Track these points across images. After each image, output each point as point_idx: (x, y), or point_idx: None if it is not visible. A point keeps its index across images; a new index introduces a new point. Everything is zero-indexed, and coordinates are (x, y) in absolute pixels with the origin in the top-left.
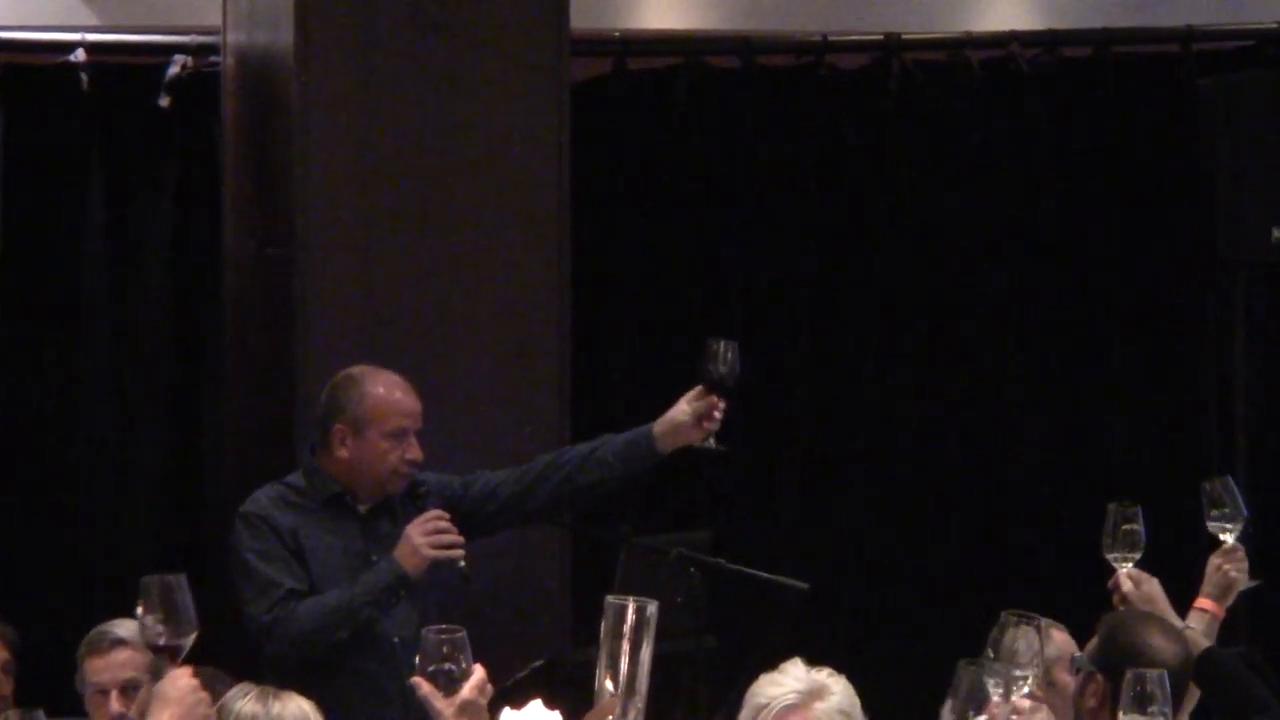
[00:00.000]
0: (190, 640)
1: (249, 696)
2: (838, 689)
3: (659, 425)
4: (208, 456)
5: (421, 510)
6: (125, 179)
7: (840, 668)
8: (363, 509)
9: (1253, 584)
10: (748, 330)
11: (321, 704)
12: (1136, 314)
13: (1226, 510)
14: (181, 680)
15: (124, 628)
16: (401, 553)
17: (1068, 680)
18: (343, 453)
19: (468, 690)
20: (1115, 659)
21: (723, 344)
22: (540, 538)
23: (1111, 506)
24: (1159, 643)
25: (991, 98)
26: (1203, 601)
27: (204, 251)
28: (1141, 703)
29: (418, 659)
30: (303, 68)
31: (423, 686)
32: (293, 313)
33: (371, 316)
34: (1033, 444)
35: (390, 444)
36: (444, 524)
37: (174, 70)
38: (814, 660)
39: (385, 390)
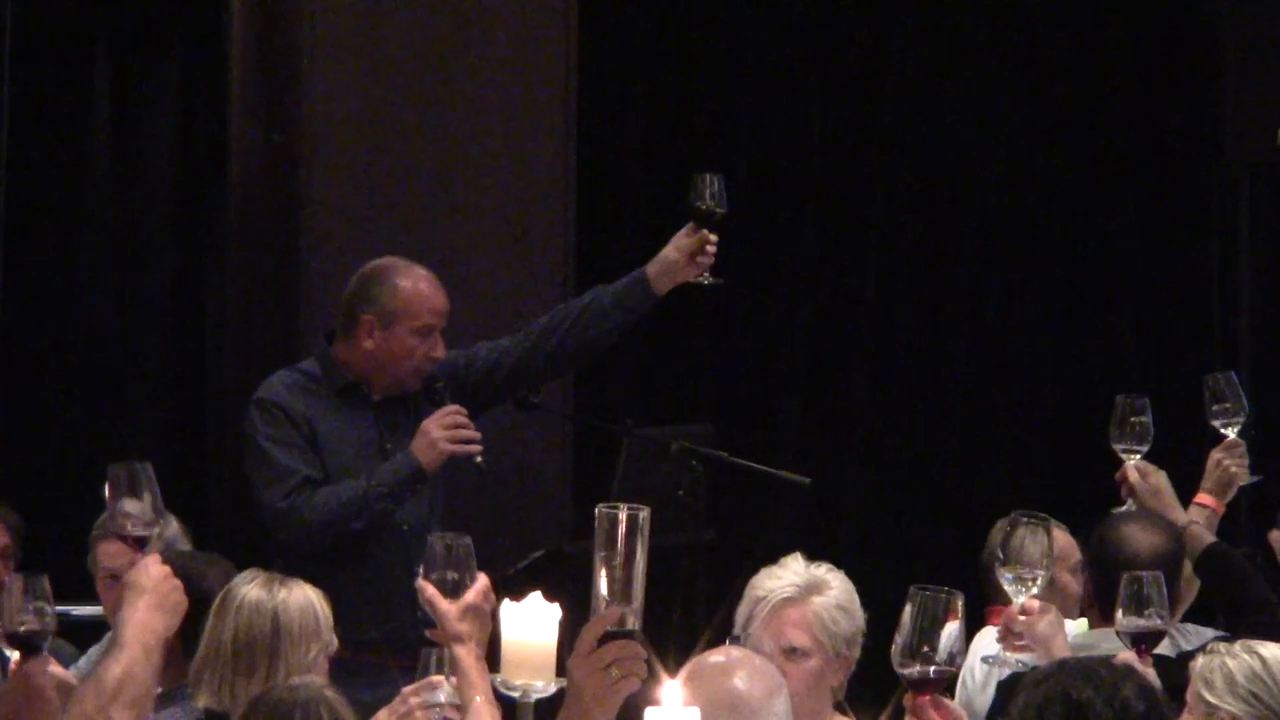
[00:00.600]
0: (158, 529)
1: (255, 582)
2: (836, 584)
3: (653, 266)
4: (210, 345)
5: (437, 403)
6: (131, 66)
7: (841, 563)
8: (377, 398)
9: (1253, 479)
10: (751, 217)
11: (332, 589)
12: (1140, 212)
13: (1229, 405)
14: (153, 569)
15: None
16: (418, 446)
17: (1066, 579)
18: (368, 343)
19: (472, 594)
20: (1097, 553)
21: (708, 177)
22: (541, 429)
23: (1119, 398)
24: (1135, 533)
25: None
26: (1202, 496)
27: (210, 138)
28: (1138, 604)
29: (422, 565)
30: None
31: (427, 589)
32: (297, 201)
33: (377, 203)
34: (1036, 341)
35: (417, 340)
36: (462, 419)
37: None
38: (814, 556)
39: (419, 286)
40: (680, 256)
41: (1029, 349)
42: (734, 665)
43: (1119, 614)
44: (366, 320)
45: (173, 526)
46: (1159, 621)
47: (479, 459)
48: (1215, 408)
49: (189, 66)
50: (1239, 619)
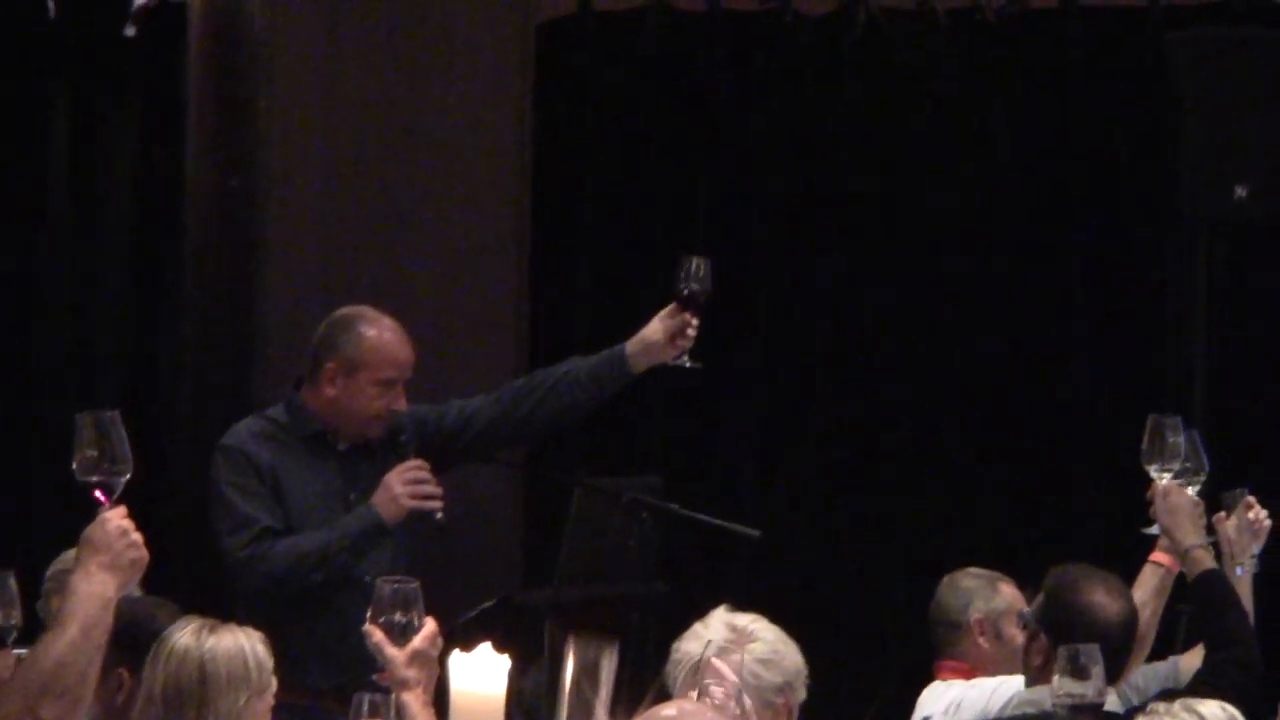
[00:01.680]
0: (124, 479)
1: (186, 630)
2: (759, 635)
3: (632, 344)
4: (165, 386)
5: (401, 455)
6: (90, 108)
7: (790, 614)
8: (342, 447)
9: (1210, 540)
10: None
11: (294, 638)
12: (1097, 270)
13: (1189, 464)
14: (111, 523)
15: None
16: (380, 500)
17: (1014, 634)
18: (330, 390)
19: (419, 640)
20: (1059, 618)
21: (695, 260)
22: (492, 479)
23: (1151, 418)
24: (1101, 600)
25: (957, 48)
26: (1158, 555)
27: (167, 182)
28: (1076, 674)
29: (370, 608)
30: (269, 1)
31: (375, 634)
32: (254, 244)
33: (331, 248)
34: (990, 397)
35: (378, 391)
36: (424, 474)
37: (141, 0)
38: (764, 607)
39: (384, 337)
40: (662, 337)
41: (982, 405)
42: (686, 718)
43: (1055, 679)
44: (330, 368)
45: None
46: (1093, 693)
47: (439, 515)
48: (1175, 466)
49: (146, 109)
50: (1213, 652)
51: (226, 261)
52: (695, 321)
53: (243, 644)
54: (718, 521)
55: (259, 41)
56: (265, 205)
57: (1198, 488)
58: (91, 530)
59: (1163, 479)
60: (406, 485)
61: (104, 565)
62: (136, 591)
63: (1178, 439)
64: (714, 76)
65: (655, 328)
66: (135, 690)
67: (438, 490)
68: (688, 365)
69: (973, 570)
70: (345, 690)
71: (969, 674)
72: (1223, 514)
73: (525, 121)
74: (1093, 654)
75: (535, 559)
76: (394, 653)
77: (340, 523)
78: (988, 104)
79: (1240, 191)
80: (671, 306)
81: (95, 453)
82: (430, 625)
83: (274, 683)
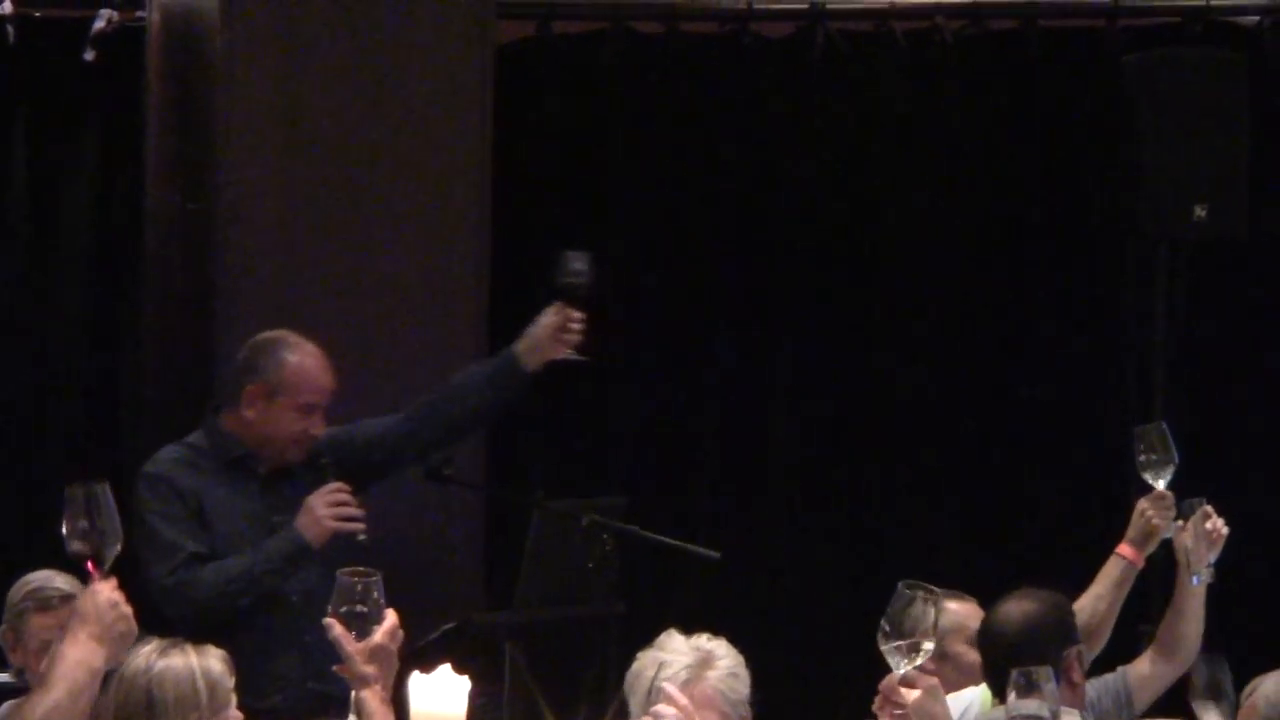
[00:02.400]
0: (115, 550)
1: (141, 653)
2: (720, 652)
3: (521, 343)
4: (126, 412)
5: (320, 477)
6: (49, 132)
7: (750, 635)
8: (262, 471)
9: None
10: (666, 294)
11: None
12: (1057, 289)
13: (1158, 456)
14: (101, 595)
15: (62, 580)
16: (303, 523)
17: (961, 651)
18: (250, 414)
19: (379, 635)
20: (980, 632)
21: (571, 254)
22: (452, 500)
23: (1138, 429)
24: (1010, 608)
25: (916, 69)
26: (1124, 547)
27: (126, 206)
28: (1027, 691)
29: (332, 599)
30: (227, 24)
31: (335, 628)
32: (213, 267)
33: (291, 273)
34: (950, 413)
35: (297, 416)
36: (345, 496)
37: (100, 24)
38: (725, 628)
39: (305, 362)
40: (545, 334)
41: (943, 420)
42: None
43: (1010, 696)
44: (250, 391)
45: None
46: (1046, 712)
47: (361, 536)
48: (1144, 459)
49: (106, 132)
50: None
51: (186, 284)
52: (578, 315)
53: (193, 665)
54: (678, 543)
55: (218, 64)
56: (224, 228)
57: (1166, 480)
58: (83, 601)
59: (1158, 484)
60: (329, 507)
61: (94, 636)
62: None
63: (1169, 448)
64: (673, 98)
65: (541, 325)
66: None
67: (359, 512)
68: (574, 357)
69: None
70: (278, 711)
71: None
72: (1180, 523)
73: (485, 143)
74: (1044, 673)
75: (495, 581)
76: (353, 649)
77: (264, 546)
78: (946, 124)
79: (1200, 211)
80: (555, 303)
81: (85, 524)
82: (391, 619)
83: (232, 700)
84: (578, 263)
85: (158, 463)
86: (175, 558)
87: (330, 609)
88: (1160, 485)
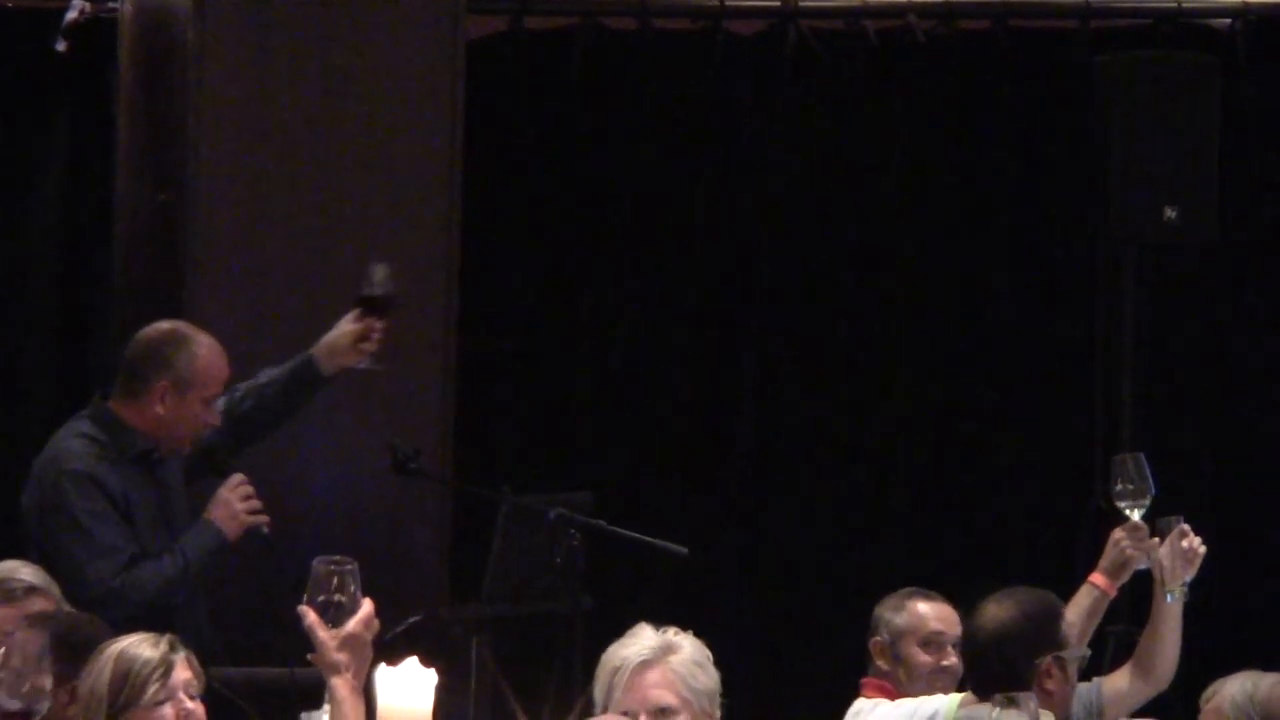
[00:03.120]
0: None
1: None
2: (687, 644)
3: (319, 349)
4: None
5: (221, 471)
6: (19, 122)
7: (717, 631)
8: (155, 460)
9: (1150, 564)
10: (635, 288)
11: None
12: (1025, 290)
13: (1133, 486)
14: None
15: (28, 572)
16: (219, 516)
17: (914, 653)
18: (159, 409)
19: (353, 624)
20: (963, 632)
21: (376, 266)
22: (418, 494)
23: (1115, 459)
24: (988, 609)
25: (887, 68)
26: (1096, 576)
27: (96, 197)
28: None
29: (308, 588)
30: (199, 16)
31: (308, 616)
32: (182, 259)
33: (260, 264)
34: (917, 413)
35: (202, 408)
36: (250, 489)
37: (72, 15)
38: (692, 624)
39: (213, 356)
40: (345, 341)
41: (910, 420)
42: None
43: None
44: (160, 386)
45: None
46: None
47: (265, 529)
48: (1120, 488)
49: (77, 125)
50: None
51: (155, 276)
52: (379, 325)
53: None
54: (645, 538)
55: (189, 57)
56: (194, 220)
57: (1144, 510)
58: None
59: (1133, 515)
60: (243, 502)
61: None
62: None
63: (1145, 477)
64: (644, 95)
65: (340, 332)
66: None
67: (260, 505)
68: (368, 366)
69: (904, 589)
70: None
71: (884, 691)
72: (1156, 540)
73: (456, 139)
74: (1026, 697)
75: (462, 575)
76: (325, 636)
77: (190, 542)
78: (917, 124)
79: (1170, 213)
80: (355, 311)
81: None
82: (366, 607)
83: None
84: (379, 273)
85: (77, 458)
86: (117, 559)
87: (305, 598)
88: (1136, 516)
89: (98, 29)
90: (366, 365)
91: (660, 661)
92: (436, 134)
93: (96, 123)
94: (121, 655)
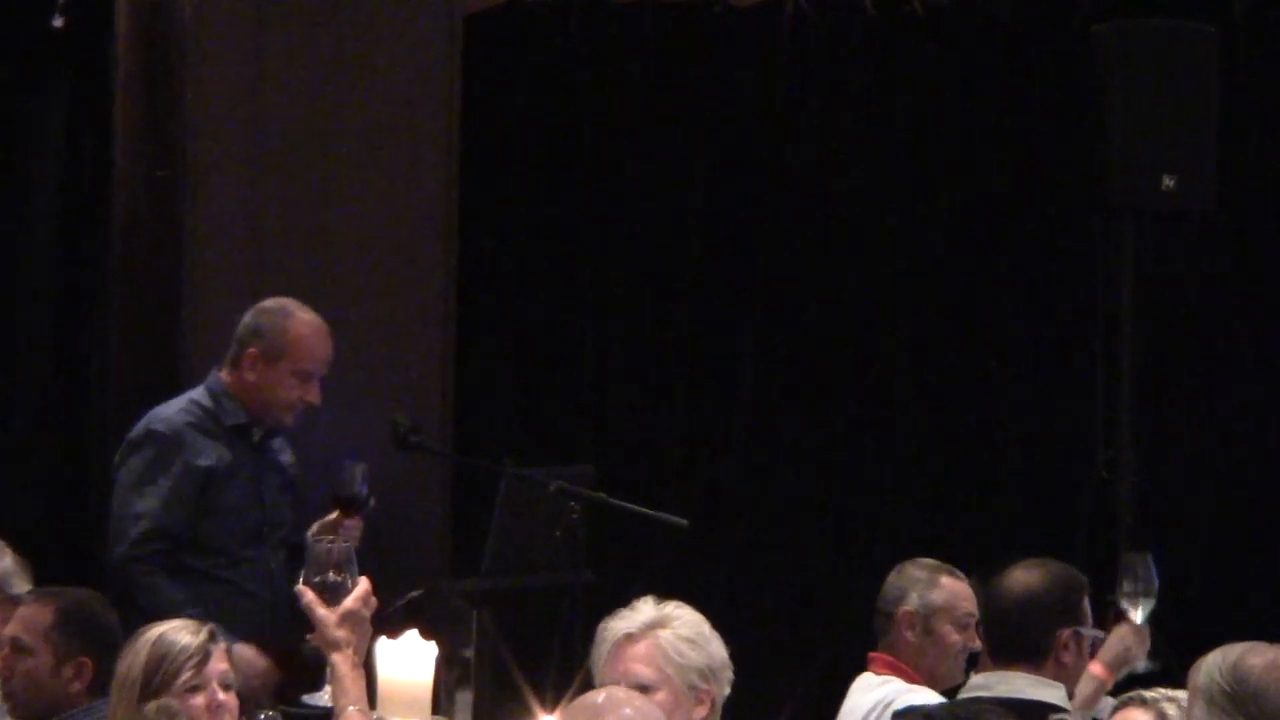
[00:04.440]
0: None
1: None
2: (683, 617)
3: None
4: (93, 378)
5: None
6: (16, 99)
7: (718, 604)
8: (257, 438)
9: (1149, 667)
10: (634, 263)
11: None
12: (1025, 259)
13: (1140, 586)
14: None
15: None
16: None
17: (947, 631)
18: (250, 376)
19: (351, 600)
20: (984, 600)
21: (351, 466)
22: (420, 468)
23: (1124, 558)
24: (1016, 575)
25: (885, 38)
26: (1096, 666)
27: (95, 172)
28: None
29: (305, 567)
30: None
31: (306, 595)
32: (180, 236)
33: (258, 241)
34: (918, 384)
35: (295, 381)
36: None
37: None
38: (693, 597)
39: (305, 330)
40: (322, 534)
41: (911, 391)
42: (613, 705)
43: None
44: (251, 353)
45: (6, 561)
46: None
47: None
48: (1128, 588)
49: (74, 101)
50: None
51: (154, 251)
52: (357, 524)
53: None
54: (646, 511)
55: (186, 32)
56: (192, 195)
57: (1145, 612)
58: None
59: (1135, 613)
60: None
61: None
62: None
63: (1151, 576)
64: (642, 67)
65: (319, 524)
66: (94, 678)
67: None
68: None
69: (923, 560)
70: None
71: (896, 668)
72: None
73: (453, 111)
74: None
75: (463, 548)
76: (325, 613)
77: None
78: (914, 93)
79: (1168, 181)
80: (335, 513)
81: None
82: (364, 584)
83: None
84: (357, 475)
85: (171, 423)
86: (154, 542)
87: (302, 577)
88: (1138, 617)
89: (94, 5)
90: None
91: (645, 636)
92: (434, 106)
93: (94, 100)
94: (160, 639)
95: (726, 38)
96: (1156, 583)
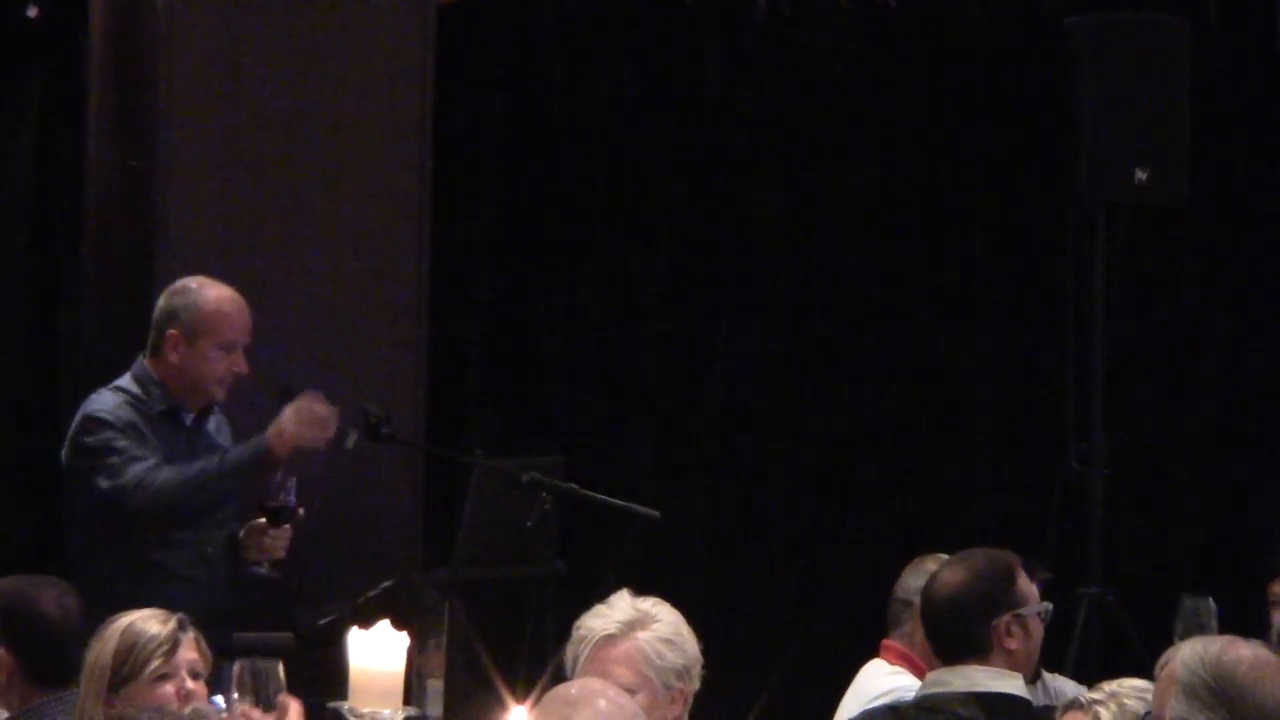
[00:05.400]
0: None
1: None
2: (661, 617)
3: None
4: (64, 367)
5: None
6: None
7: (689, 596)
8: (188, 420)
9: None
10: (604, 250)
11: (121, 595)
12: (997, 253)
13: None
14: None
15: None
16: (271, 431)
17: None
18: (173, 358)
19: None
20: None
21: (279, 475)
22: (391, 459)
23: (1184, 598)
24: (941, 574)
25: (857, 31)
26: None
27: (68, 163)
28: None
29: (233, 687)
30: None
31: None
32: (153, 225)
33: (232, 231)
34: (888, 377)
35: (219, 354)
36: (316, 412)
37: None
38: (664, 588)
39: (220, 302)
40: (251, 538)
41: (882, 382)
42: (588, 696)
43: None
44: (171, 336)
45: None
46: None
47: (350, 440)
48: (1181, 629)
49: (47, 91)
50: None
51: (126, 242)
52: (284, 534)
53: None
54: (618, 501)
55: (160, 22)
56: (165, 185)
57: None
58: None
59: None
60: (301, 423)
61: None
62: None
63: (1211, 622)
64: (614, 58)
65: (250, 526)
66: (13, 667)
67: (323, 436)
68: (262, 572)
69: (939, 555)
70: None
71: (909, 659)
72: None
73: (426, 101)
74: None
75: (434, 539)
76: None
77: (229, 452)
78: (888, 87)
79: (1140, 175)
80: (262, 520)
81: None
82: (294, 710)
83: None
84: (286, 485)
85: (102, 405)
86: (142, 463)
87: (231, 697)
88: None
89: None
90: (261, 571)
91: (626, 637)
92: (408, 95)
93: (68, 90)
94: (129, 629)
95: (698, 29)
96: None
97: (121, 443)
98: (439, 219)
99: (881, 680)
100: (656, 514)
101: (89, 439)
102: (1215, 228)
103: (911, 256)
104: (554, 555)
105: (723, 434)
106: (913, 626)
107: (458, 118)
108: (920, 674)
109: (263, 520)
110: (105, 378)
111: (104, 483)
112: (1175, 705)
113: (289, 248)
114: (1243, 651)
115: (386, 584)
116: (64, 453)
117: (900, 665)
